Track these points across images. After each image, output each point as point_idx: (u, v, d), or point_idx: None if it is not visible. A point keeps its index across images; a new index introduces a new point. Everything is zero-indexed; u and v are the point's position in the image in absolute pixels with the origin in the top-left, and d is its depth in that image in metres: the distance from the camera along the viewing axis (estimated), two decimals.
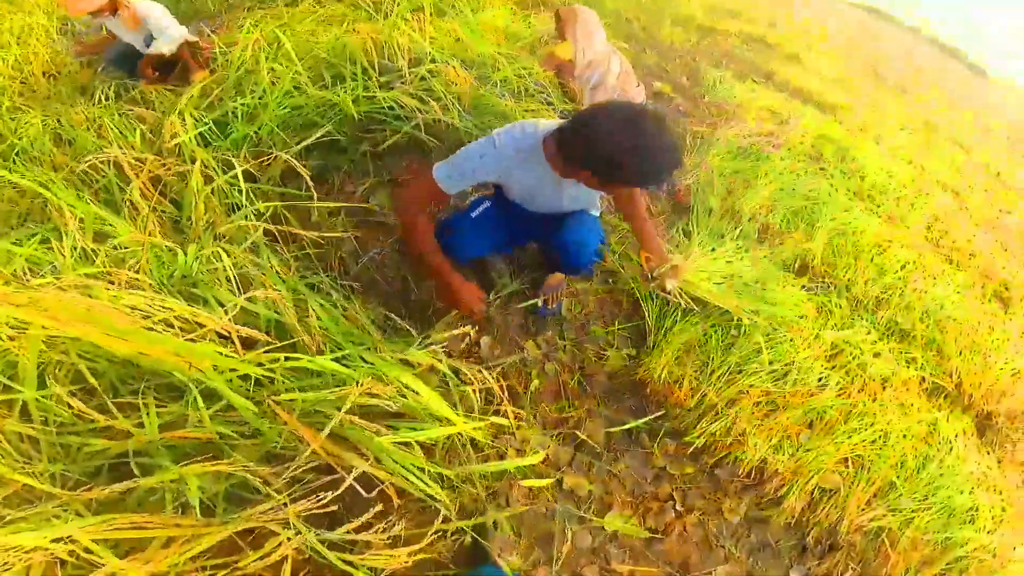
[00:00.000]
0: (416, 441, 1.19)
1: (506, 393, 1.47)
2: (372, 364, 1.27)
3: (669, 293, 1.69)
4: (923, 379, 2.13)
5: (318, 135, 2.00)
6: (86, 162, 1.60)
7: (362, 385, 1.12)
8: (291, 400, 1.11)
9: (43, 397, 1.03)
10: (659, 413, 1.77)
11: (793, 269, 2.38)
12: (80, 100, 2.49)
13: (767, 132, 3.27)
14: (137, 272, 1.20)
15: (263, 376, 1.13)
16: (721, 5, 6.77)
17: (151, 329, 1.02)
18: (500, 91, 2.41)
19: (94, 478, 1.07)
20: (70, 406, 1.01)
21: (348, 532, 1.02)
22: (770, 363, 1.78)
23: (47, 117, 2.16)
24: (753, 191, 2.62)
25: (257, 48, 2.35)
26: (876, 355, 2.03)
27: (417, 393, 1.22)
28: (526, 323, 1.90)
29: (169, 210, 1.63)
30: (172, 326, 1.06)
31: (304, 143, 1.97)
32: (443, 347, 1.43)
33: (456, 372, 1.45)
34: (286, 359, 1.14)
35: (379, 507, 1.04)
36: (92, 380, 1.07)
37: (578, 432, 1.65)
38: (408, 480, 1.16)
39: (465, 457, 1.34)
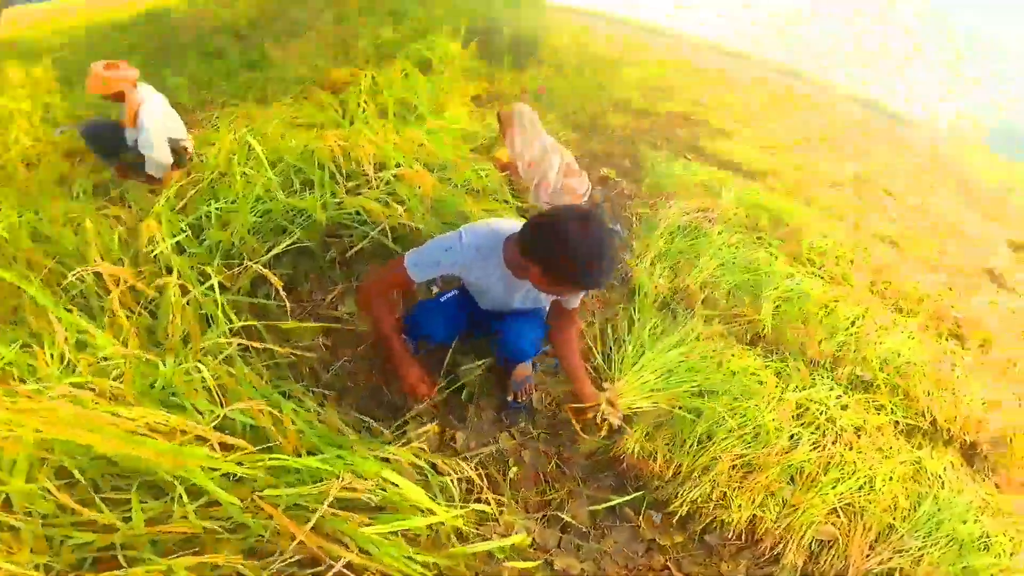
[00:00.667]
0: (401, 531, 1.19)
1: (485, 481, 1.50)
2: (350, 462, 1.28)
3: (619, 429, 1.77)
4: (896, 423, 2.19)
5: (288, 243, 2.10)
6: (74, 274, 1.60)
7: (342, 479, 1.13)
8: (275, 495, 1.12)
9: (30, 491, 1.03)
10: (639, 484, 1.77)
11: (745, 341, 2.44)
12: (58, 191, 2.56)
13: (704, 208, 3.43)
14: (120, 382, 1.21)
15: (245, 474, 1.13)
16: (655, 86, 7.30)
17: (139, 434, 1.03)
18: (461, 191, 2.55)
19: (79, 569, 1.05)
20: (55, 498, 1.01)
21: None
22: (737, 427, 1.83)
23: (24, 210, 2.16)
24: (697, 270, 2.72)
25: (230, 151, 2.47)
26: (843, 407, 2.10)
27: (397, 486, 1.24)
28: (498, 416, 1.92)
29: (146, 320, 1.64)
30: (156, 431, 1.07)
31: (275, 251, 2.06)
32: (419, 443, 1.47)
33: (434, 466, 1.47)
34: (269, 459, 1.15)
35: None
36: (78, 475, 1.08)
37: (561, 513, 1.63)
38: (395, 568, 1.15)
39: (451, 545, 1.33)
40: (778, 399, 2.02)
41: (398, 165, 2.45)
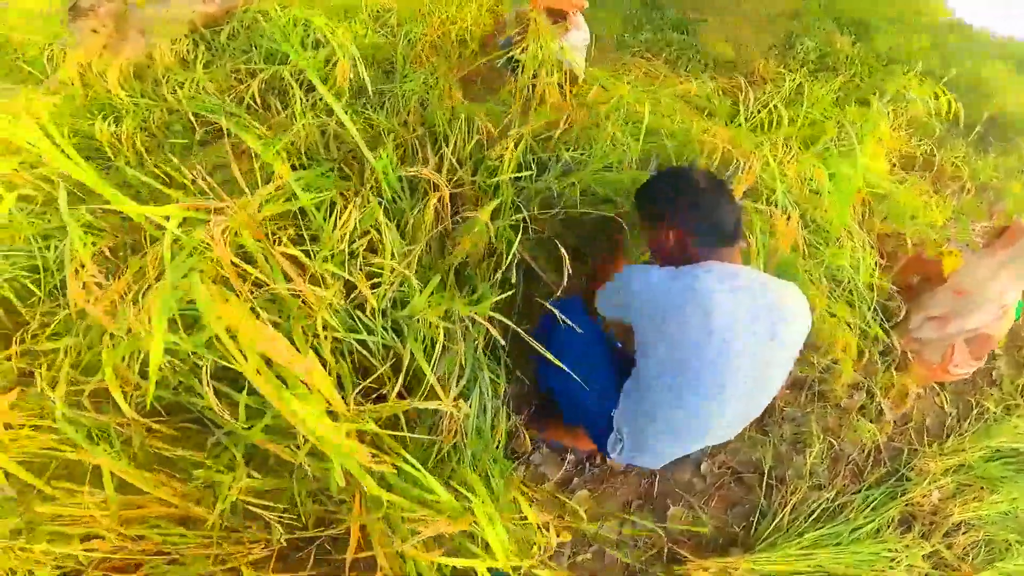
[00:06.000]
0: None
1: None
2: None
3: None
4: None
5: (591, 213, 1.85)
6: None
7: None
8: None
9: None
10: None
11: None
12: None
13: None
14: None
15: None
16: None
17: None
18: (817, 268, 1.94)
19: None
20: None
21: None
22: None
23: (430, 77, 2.41)
24: (983, 503, 2.01)
25: (614, 106, 2.29)
26: None
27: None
28: (630, 502, 1.70)
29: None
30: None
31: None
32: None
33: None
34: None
35: None
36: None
37: None
38: None
39: None
40: None
41: (768, 201, 1.93)
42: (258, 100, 2.22)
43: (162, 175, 1.51)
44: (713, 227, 1.24)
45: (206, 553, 1.02)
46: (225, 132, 1.64)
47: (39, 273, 1.36)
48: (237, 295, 0.86)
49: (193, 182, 1.35)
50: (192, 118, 1.99)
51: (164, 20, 2.65)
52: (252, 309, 0.88)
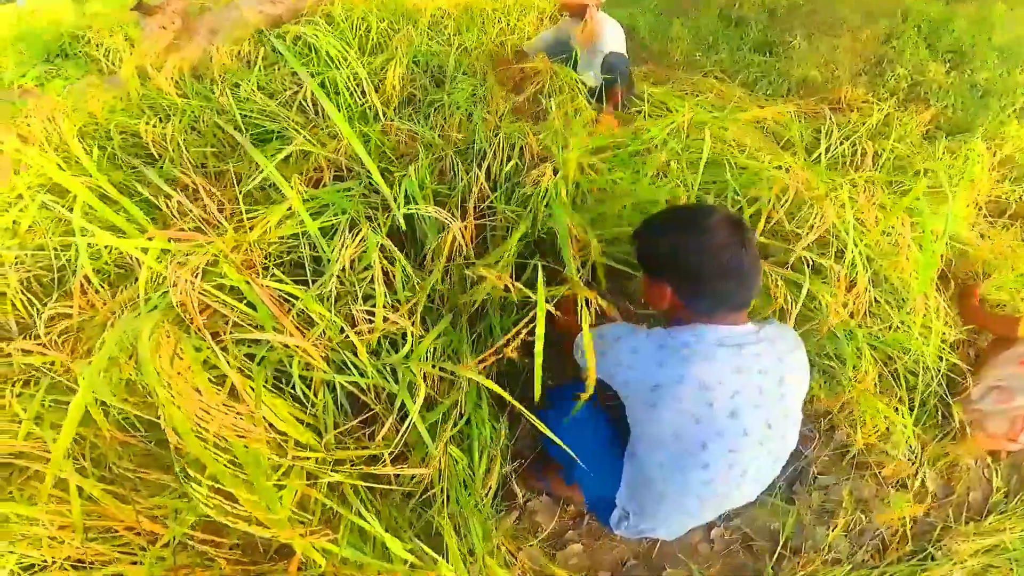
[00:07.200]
0: None
1: None
2: None
3: None
4: None
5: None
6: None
7: None
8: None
9: None
10: None
11: None
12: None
13: None
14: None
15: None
16: None
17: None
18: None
19: None
20: None
21: None
22: None
23: (477, 88, 2.32)
24: None
25: (673, 130, 2.08)
26: None
27: None
28: (625, 560, 1.59)
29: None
30: None
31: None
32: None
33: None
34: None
35: None
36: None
37: None
38: None
39: None
40: None
41: (839, 255, 1.65)
42: (310, 104, 2.20)
43: (190, 182, 1.49)
44: (717, 300, 1.03)
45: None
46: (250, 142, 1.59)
47: (54, 273, 1.36)
48: (205, 337, 0.77)
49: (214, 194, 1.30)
50: (240, 120, 1.98)
51: (231, 21, 2.69)
52: (224, 348, 0.79)
